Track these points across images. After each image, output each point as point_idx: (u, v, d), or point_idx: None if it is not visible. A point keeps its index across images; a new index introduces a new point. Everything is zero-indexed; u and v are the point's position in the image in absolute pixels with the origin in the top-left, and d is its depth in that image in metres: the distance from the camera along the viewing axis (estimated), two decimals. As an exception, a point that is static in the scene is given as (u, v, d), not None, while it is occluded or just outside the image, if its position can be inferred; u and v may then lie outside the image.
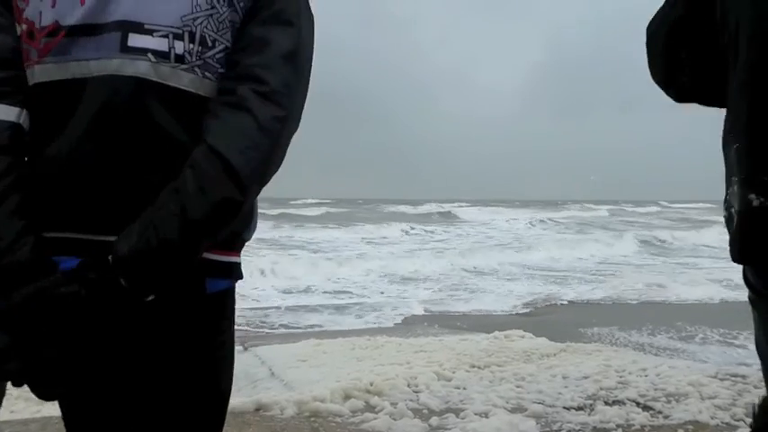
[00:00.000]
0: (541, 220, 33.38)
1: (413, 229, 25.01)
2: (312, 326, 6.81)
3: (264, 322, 7.02)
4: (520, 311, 7.87)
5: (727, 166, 1.04)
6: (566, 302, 8.52)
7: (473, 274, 11.75)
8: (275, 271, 10.93)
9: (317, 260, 12.96)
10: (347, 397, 3.33)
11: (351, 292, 9.57)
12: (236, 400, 3.27)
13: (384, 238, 21.03)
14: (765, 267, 0.97)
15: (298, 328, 6.71)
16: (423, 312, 7.73)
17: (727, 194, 1.05)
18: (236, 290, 1.08)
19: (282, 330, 6.57)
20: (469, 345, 5.02)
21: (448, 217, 38.70)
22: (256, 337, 6.06)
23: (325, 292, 9.55)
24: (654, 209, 50.81)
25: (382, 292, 9.52)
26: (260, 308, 7.96)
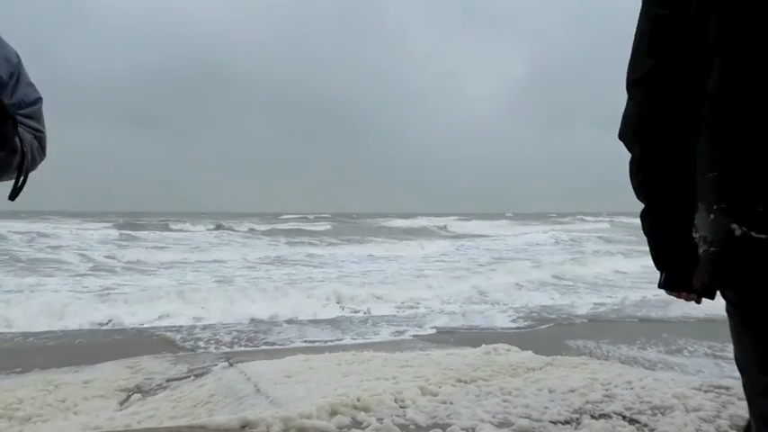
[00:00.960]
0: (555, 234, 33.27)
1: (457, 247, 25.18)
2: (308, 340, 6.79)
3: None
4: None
5: (699, 192, 1.06)
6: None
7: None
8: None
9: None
10: (333, 413, 3.29)
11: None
12: (222, 417, 3.23)
13: (427, 254, 21.06)
14: (744, 288, 0.99)
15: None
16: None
17: (695, 219, 1.08)
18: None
19: (266, 347, 6.53)
20: (455, 359, 5.01)
21: (460, 232, 38.93)
22: (242, 353, 6.02)
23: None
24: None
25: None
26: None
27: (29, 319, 8.84)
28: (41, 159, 1.58)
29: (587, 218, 61.88)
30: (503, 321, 8.12)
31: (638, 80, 1.21)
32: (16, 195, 1.47)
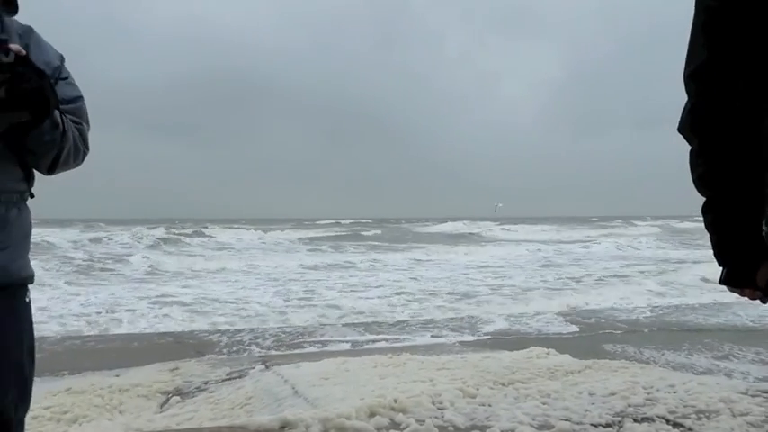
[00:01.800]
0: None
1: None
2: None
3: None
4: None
5: None
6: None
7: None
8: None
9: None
10: (372, 414, 3.30)
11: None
12: (261, 417, 3.27)
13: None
14: None
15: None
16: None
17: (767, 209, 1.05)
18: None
19: (300, 350, 6.57)
20: (492, 362, 4.97)
21: (514, 238, 38.58)
22: (279, 356, 6.06)
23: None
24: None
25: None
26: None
27: (84, 323, 9.11)
28: (84, 152, 1.66)
29: (637, 222, 60.32)
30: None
31: (693, 73, 1.21)
32: (54, 169, 1.57)
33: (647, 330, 7.15)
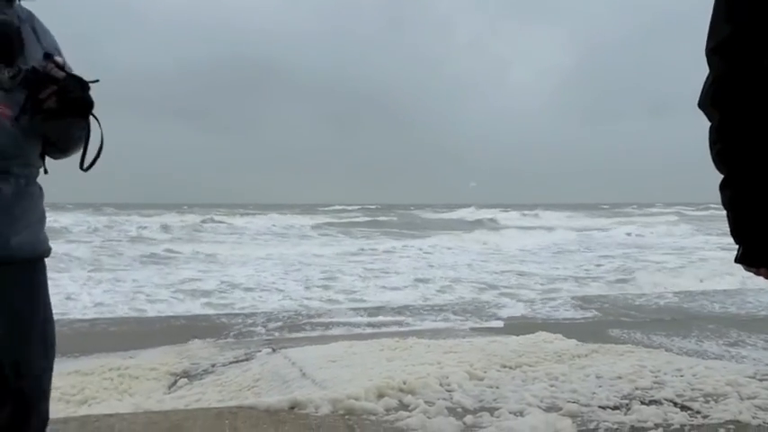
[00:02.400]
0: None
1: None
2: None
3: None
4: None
5: None
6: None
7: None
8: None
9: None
10: (381, 395, 3.32)
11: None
12: (271, 398, 3.29)
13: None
14: None
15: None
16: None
17: None
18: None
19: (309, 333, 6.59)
20: (499, 346, 4.98)
21: (539, 224, 37.92)
22: (285, 340, 6.09)
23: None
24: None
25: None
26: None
27: (100, 307, 9.16)
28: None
29: (652, 209, 59.36)
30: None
31: (716, 47, 1.20)
32: (90, 165, 1.64)
33: (657, 317, 7.15)
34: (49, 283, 1.65)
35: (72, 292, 10.34)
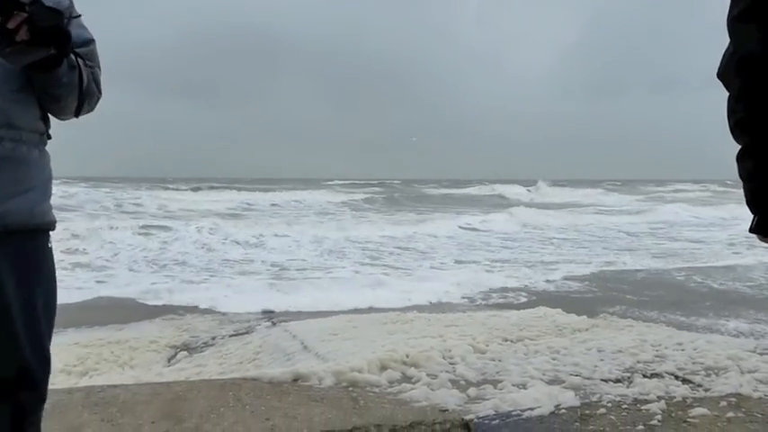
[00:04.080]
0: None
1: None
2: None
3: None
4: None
5: None
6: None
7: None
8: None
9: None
10: (384, 368, 3.33)
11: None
12: (274, 370, 3.30)
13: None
14: None
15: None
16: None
17: None
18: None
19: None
20: (500, 320, 5.02)
21: (569, 201, 37.09)
22: (283, 313, 6.12)
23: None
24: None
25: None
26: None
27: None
28: (98, 96, 1.65)
29: (681, 185, 58.39)
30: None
31: (738, 15, 1.17)
32: (80, 111, 1.59)
33: (664, 292, 7.15)
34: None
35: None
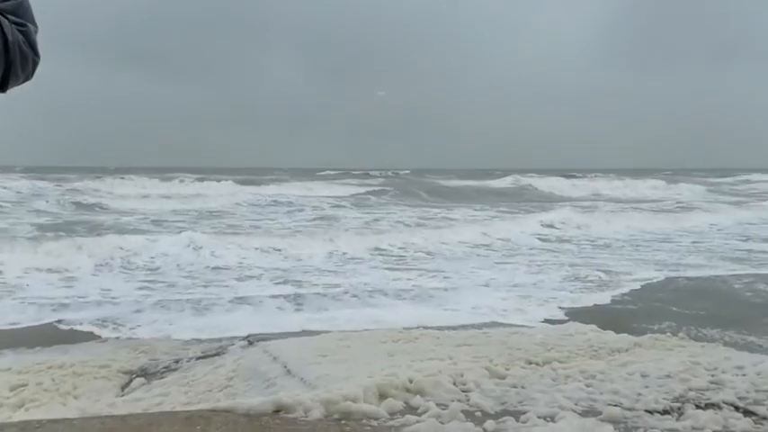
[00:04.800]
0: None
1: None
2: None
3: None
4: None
5: None
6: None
7: None
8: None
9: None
10: (383, 396, 3.33)
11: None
12: (251, 399, 3.30)
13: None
14: None
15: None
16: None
17: None
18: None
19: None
20: (522, 338, 5.03)
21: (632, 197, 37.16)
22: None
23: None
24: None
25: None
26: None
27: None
28: (35, 60, 1.61)
29: (748, 176, 58.28)
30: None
31: None
32: (6, 84, 1.55)
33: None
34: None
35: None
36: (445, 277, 10.69)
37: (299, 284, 9.97)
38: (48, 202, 25.69)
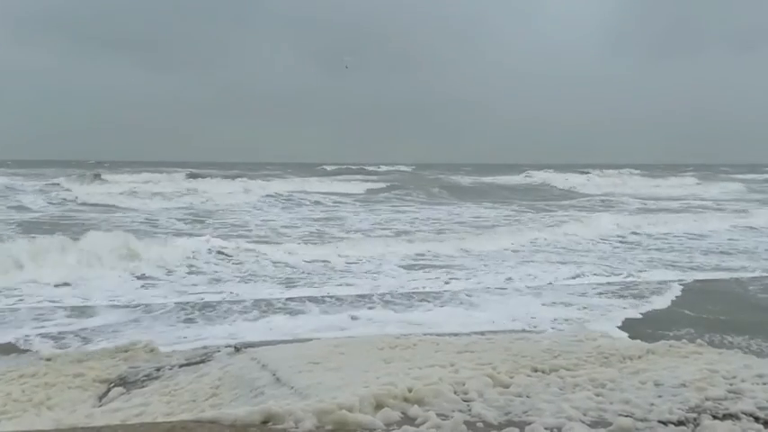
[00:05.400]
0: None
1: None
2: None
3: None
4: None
5: None
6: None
7: None
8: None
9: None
10: (379, 406, 3.33)
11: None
12: (238, 409, 3.30)
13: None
14: None
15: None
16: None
17: None
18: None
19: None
20: (527, 344, 5.04)
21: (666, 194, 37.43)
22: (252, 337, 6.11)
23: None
24: None
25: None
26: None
27: None
28: None
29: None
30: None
31: None
32: None
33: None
34: None
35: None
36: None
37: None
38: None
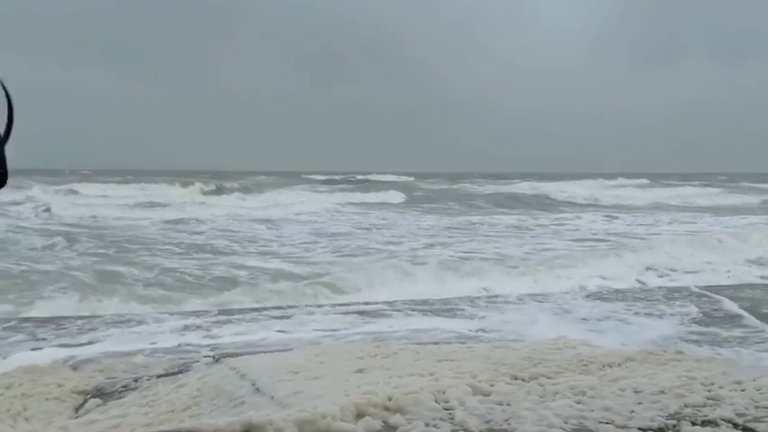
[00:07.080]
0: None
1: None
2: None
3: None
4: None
5: None
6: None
7: None
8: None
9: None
10: (360, 415, 3.33)
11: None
12: (218, 420, 3.27)
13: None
14: None
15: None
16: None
17: None
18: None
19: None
20: (507, 352, 5.04)
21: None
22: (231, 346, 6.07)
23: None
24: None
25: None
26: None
27: None
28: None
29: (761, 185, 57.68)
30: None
31: None
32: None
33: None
34: None
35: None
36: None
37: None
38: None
